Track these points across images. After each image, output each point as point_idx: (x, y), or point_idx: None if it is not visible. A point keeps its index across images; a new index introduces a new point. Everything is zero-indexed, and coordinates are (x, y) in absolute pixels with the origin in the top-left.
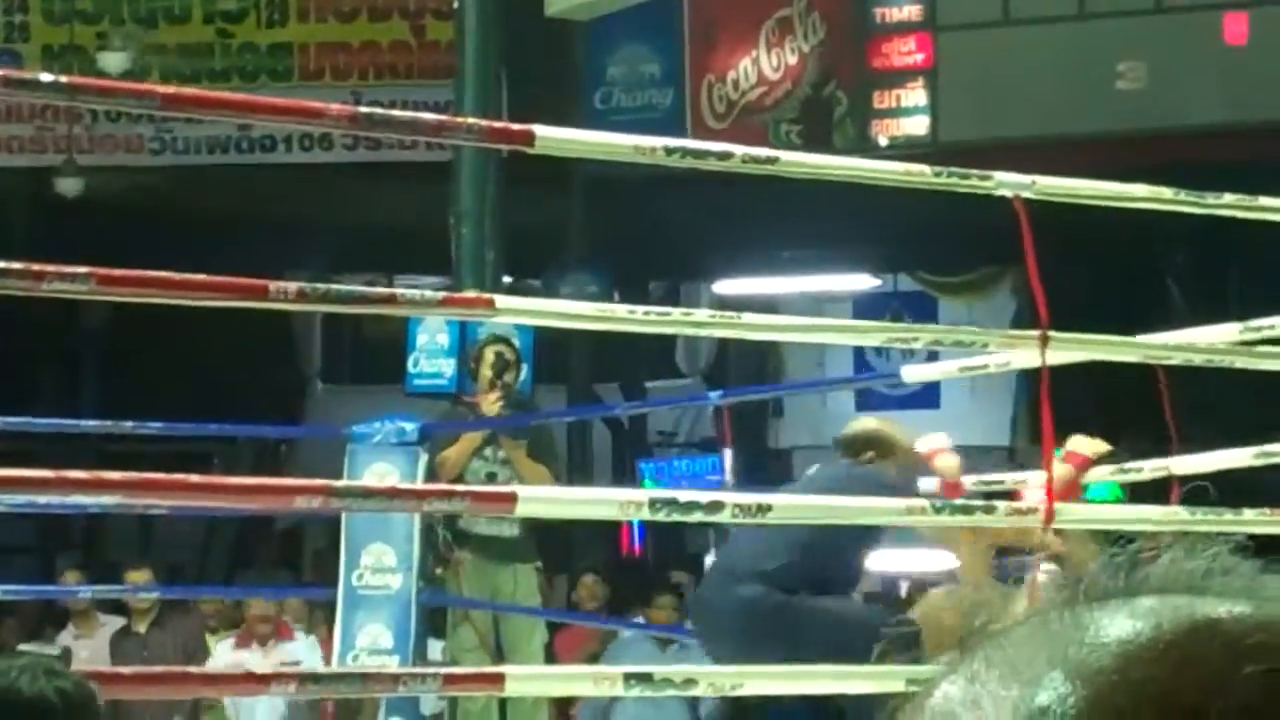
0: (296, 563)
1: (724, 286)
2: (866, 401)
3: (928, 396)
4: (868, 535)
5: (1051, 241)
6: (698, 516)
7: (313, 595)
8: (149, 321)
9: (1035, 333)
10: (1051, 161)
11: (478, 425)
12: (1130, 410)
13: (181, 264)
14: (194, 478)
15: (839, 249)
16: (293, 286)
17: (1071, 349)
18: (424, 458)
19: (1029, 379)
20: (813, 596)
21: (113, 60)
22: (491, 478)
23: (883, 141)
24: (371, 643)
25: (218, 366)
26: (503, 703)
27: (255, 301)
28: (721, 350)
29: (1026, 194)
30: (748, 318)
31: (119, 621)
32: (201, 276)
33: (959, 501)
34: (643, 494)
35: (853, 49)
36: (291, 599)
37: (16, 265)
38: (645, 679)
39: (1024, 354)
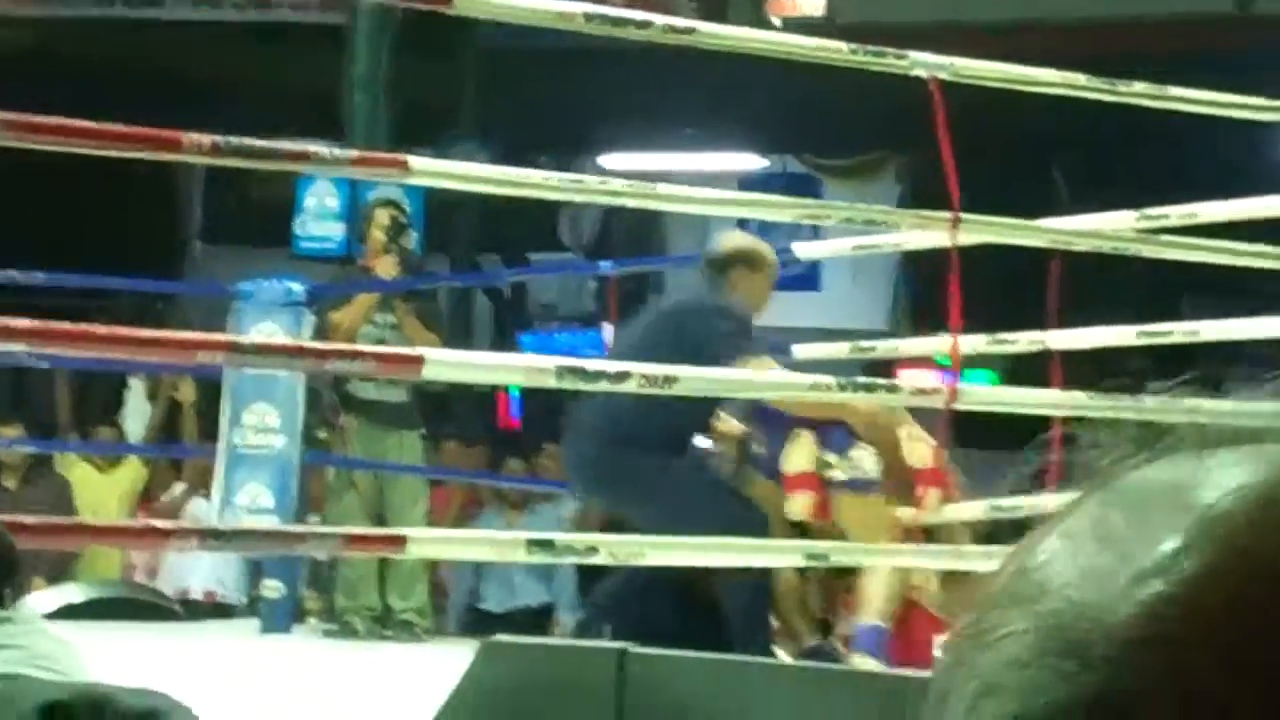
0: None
1: (610, 161)
2: None
3: (809, 279)
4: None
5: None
6: (604, 385)
7: (189, 455)
8: (17, 174)
9: (948, 214)
10: (946, 49)
11: (372, 286)
12: (1010, 301)
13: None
14: (101, 328)
15: (727, 128)
16: (206, 140)
17: (980, 232)
18: (310, 319)
19: (912, 264)
20: (658, 453)
21: None
22: (381, 343)
23: (777, 22)
24: (251, 501)
25: (90, 224)
26: (382, 572)
27: (168, 153)
28: (605, 225)
29: (942, 75)
30: (663, 188)
31: None
32: (117, 126)
33: (863, 380)
34: (550, 360)
35: None
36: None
37: None
38: (547, 545)
39: (931, 235)
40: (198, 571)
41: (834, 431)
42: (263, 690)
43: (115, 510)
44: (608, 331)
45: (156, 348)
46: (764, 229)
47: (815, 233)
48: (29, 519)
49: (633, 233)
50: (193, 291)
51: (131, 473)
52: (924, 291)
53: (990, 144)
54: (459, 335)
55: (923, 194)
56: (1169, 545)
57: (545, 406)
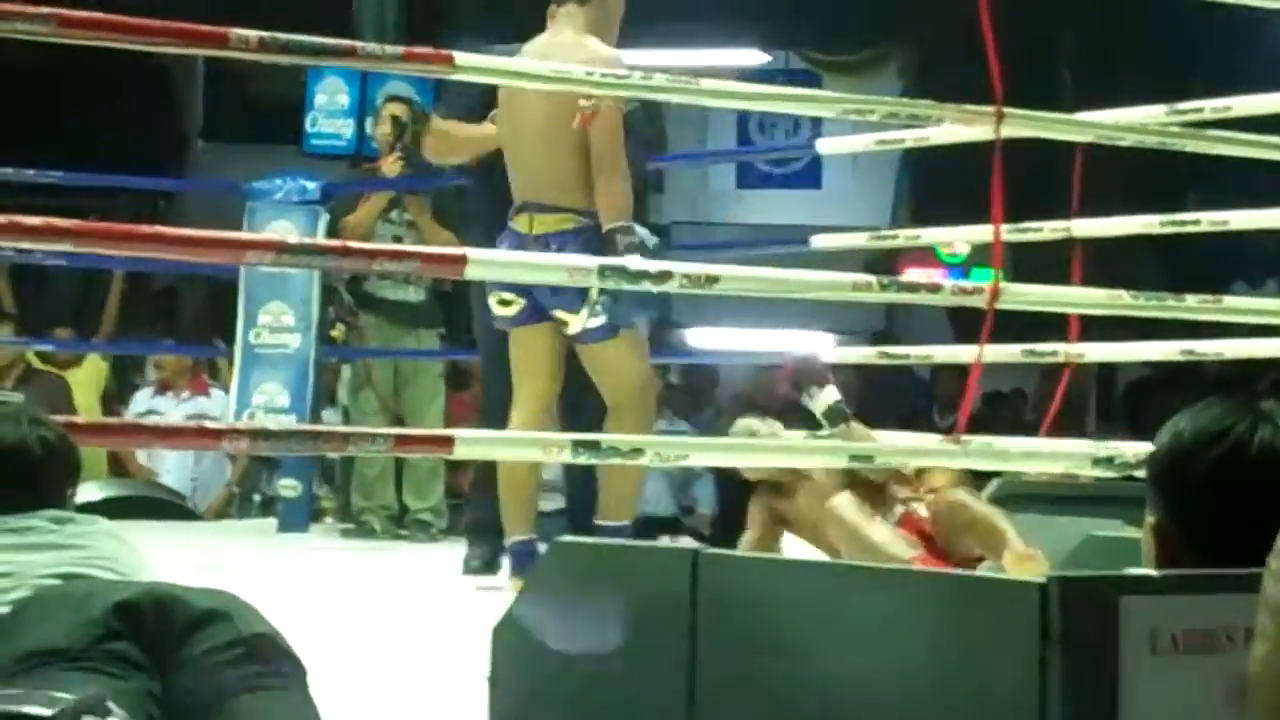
0: (172, 322)
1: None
2: (748, 179)
3: (809, 176)
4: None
5: (949, 26)
6: (647, 284)
7: (199, 353)
8: (16, 70)
9: (991, 109)
10: None
11: (384, 185)
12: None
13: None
14: (147, 228)
15: (727, 23)
16: (253, 35)
17: (1023, 126)
18: (325, 217)
19: (913, 160)
20: None
21: None
22: (398, 240)
23: None
24: (268, 400)
25: (87, 120)
26: (399, 472)
27: (214, 49)
28: None
29: None
30: (705, 83)
31: None
32: (162, 22)
33: (904, 279)
34: (592, 260)
35: None
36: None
37: None
38: (593, 446)
39: (974, 129)
40: (171, 471)
41: None
42: (289, 587)
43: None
44: None
45: (206, 248)
46: (765, 126)
47: (816, 130)
48: (81, 420)
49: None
50: (202, 188)
51: (94, 371)
52: (926, 187)
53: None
54: (478, 237)
55: (924, 90)
56: None
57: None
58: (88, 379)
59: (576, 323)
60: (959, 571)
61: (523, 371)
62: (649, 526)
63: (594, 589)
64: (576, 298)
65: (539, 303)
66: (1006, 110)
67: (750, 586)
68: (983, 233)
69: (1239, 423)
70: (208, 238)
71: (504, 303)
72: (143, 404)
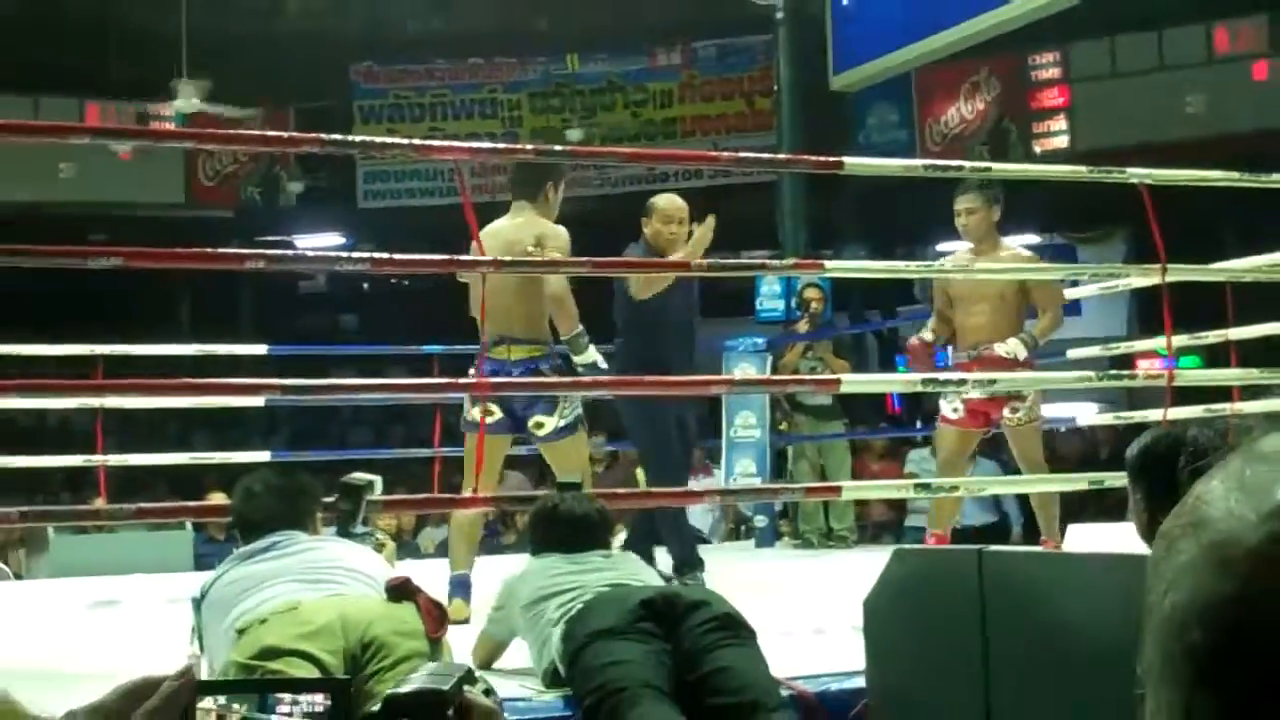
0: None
1: (942, 248)
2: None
3: (1074, 307)
4: None
5: (1142, 210)
6: (950, 388)
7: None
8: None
9: (1158, 265)
10: (1146, 160)
11: (802, 337)
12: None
13: None
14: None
15: (1015, 220)
16: (705, 261)
17: (1179, 275)
18: (769, 359)
19: (1138, 295)
20: None
21: (573, 135)
22: (813, 371)
23: (1039, 150)
24: (743, 470)
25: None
26: (826, 508)
27: (679, 270)
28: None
29: (1148, 180)
30: (977, 264)
31: None
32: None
33: (1114, 370)
34: (915, 376)
35: (1019, 97)
36: None
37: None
38: (925, 486)
39: (1150, 278)
40: (692, 515)
41: None
42: (764, 579)
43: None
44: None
45: (704, 386)
46: None
47: (1074, 283)
48: (621, 490)
49: None
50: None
51: None
52: (1147, 310)
53: (1179, 216)
54: (859, 363)
55: (1140, 253)
56: None
57: (913, 400)
58: None
59: (550, 425)
60: None
61: (488, 468)
62: (970, 535)
63: (920, 580)
64: (550, 405)
65: (515, 414)
66: (1169, 265)
67: (1024, 575)
68: (1173, 340)
69: (1191, 431)
70: (714, 380)
71: (488, 413)
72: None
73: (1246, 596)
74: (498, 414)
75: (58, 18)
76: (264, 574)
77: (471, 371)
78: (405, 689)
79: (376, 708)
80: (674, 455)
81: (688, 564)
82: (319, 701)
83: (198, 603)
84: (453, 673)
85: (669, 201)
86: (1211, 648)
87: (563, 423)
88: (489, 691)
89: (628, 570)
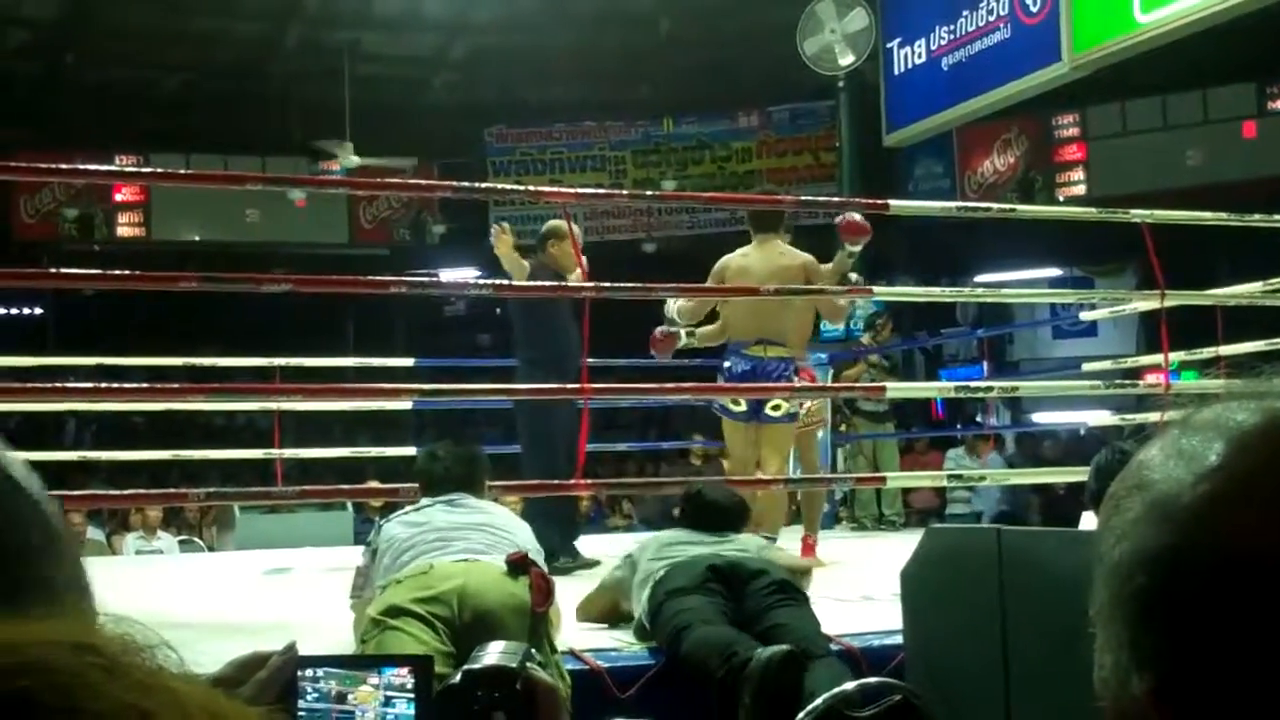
0: None
1: (980, 277)
2: (1059, 332)
3: (1091, 329)
4: None
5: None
6: (981, 395)
7: None
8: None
9: (1158, 292)
10: (1152, 205)
11: (861, 352)
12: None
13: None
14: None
15: (1039, 255)
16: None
17: (1176, 299)
18: (830, 371)
19: (1147, 318)
20: None
21: (669, 185)
22: (872, 380)
23: (1061, 198)
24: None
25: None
26: (878, 495)
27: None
28: (979, 310)
29: (1149, 220)
30: (1005, 291)
31: None
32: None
33: (1120, 380)
34: (951, 384)
35: (1044, 152)
36: None
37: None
38: (958, 478)
39: (1151, 303)
40: None
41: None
42: (829, 558)
43: None
44: (985, 366)
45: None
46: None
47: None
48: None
49: (994, 311)
50: None
51: None
52: (1154, 332)
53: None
54: (906, 374)
55: (1149, 283)
56: (1213, 459)
57: (953, 405)
58: None
59: (785, 409)
60: None
61: (739, 452)
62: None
63: (949, 554)
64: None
65: (758, 406)
66: (1168, 292)
67: (1036, 550)
68: (1171, 357)
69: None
70: (778, 387)
71: (735, 403)
72: None
73: (1183, 546)
74: (744, 405)
75: (247, 91)
76: (415, 532)
77: (727, 365)
78: (478, 665)
79: (456, 680)
80: (556, 452)
81: (563, 552)
82: (404, 674)
83: (371, 542)
84: (518, 651)
85: (561, 225)
86: (1153, 589)
87: (791, 410)
88: (544, 665)
89: (734, 547)
